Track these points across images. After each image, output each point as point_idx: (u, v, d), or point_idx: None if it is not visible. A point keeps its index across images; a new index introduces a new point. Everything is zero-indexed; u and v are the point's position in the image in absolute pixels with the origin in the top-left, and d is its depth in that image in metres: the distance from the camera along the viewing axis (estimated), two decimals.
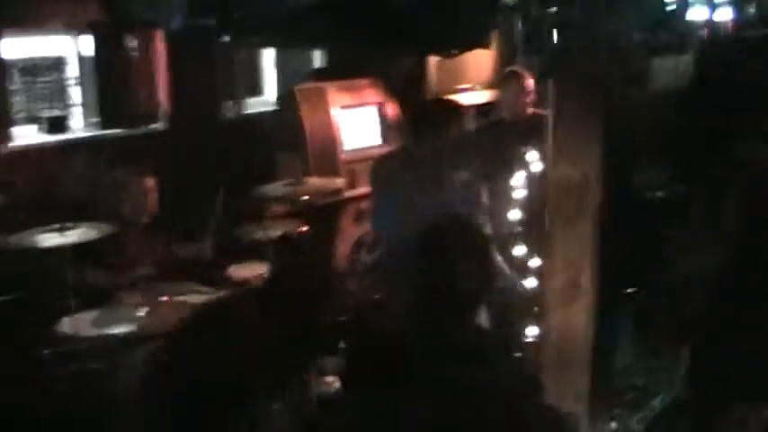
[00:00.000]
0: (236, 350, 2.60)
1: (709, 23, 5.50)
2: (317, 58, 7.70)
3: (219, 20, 3.07)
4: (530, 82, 5.56)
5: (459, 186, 4.12)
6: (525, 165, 4.53)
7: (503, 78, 5.74)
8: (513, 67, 5.86)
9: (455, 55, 3.56)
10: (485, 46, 3.59)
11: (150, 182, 5.29)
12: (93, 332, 4.55)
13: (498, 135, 5.50)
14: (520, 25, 6.05)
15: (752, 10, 7.09)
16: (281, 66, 7.59)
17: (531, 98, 5.57)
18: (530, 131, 4.90)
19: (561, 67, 4.44)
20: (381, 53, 6.61)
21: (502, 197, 4.74)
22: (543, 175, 4.42)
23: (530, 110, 5.54)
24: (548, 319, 4.52)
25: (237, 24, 3.02)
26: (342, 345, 3.97)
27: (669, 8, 4.09)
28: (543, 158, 4.46)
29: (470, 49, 3.60)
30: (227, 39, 6.06)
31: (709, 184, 5.20)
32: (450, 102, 4.35)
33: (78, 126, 6.27)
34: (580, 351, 4.51)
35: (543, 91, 5.49)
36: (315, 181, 5.83)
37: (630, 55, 3.92)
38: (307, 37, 3.06)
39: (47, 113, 6.11)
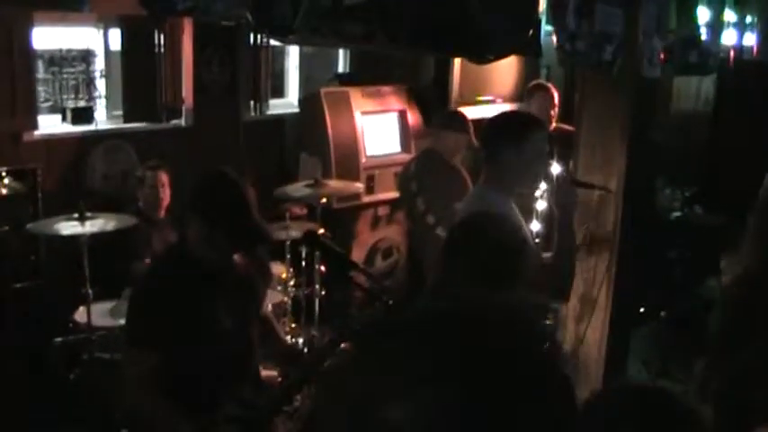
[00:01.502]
0: None
1: (737, 47, 5.49)
2: (341, 63, 7.73)
3: (258, 16, 3.08)
4: (555, 95, 5.60)
5: None
6: (549, 178, 4.54)
7: (529, 91, 5.77)
8: (540, 81, 5.90)
9: (489, 61, 3.50)
10: (523, 54, 3.55)
11: (165, 177, 5.34)
12: (109, 322, 4.58)
13: None
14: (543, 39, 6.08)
15: None
16: (304, 68, 7.62)
17: (556, 112, 5.61)
18: (553, 144, 4.91)
19: (587, 81, 4.46)
20: (416, 55, 6.61)
21: (524, 209, 4.75)
22: (562, 188, 4.42)
23: (554, 124, 5.57)
24: (563, 333, 4.53)
25: (277, 21, 3.02)
26: None
27: (700, 29, 4.08)
28: (566, 172, 4.47)
29: (506, 56, 3.57)
30: (265, 36, 6.08)
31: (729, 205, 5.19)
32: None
33: (102, 118, 6.31)
34: (593, 366, 4.51)
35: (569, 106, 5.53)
36: (335, 184, 5.85)
37: (657, 73, 3.91)
38: (345, 37, 3.05)
39: (72, 104, 6.14)
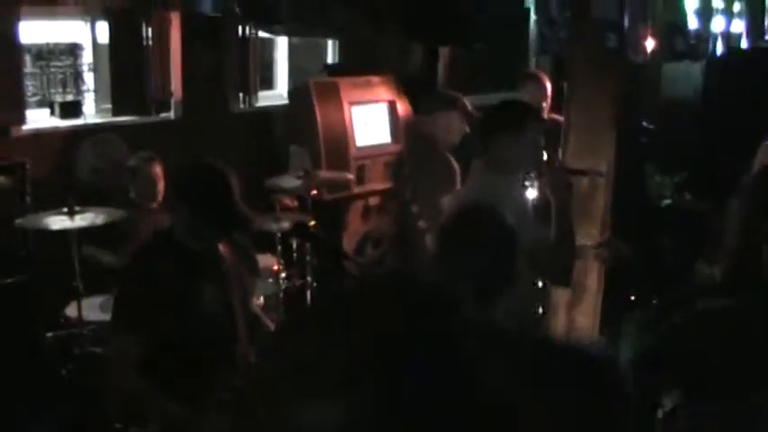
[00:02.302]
0: None
1: (725, 34, 5.50)
2: (330, 54, 7.71)
3: (245, 7, 3.08)
4: (547, 85, 5.56)
5: None
6: (539, 166, 4.55)
7: (523, 79, 5.73)
8: (532, 70, 5.88)
9: (477, 50, 3.51)
10: (507, 44, 3.55)
11: (158, 168, 5.31)
12: (101, 317, 4.57)
13: None
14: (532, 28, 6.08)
15: (766, 22, 7.10)
16: (293, 60, 7.61)
17: (548, 101, 5.57)
18: (545, 134, 4.91)
19: (576, 69, 4.46)
20: (403, 43, 6.60)
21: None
22: (555, 176, 4.42)
23: (546, 113, 5.54)
24: (554, 318, 4.54)
25: (264, 12, 3.03)
26: None
27: (687, 16, 4.09)
28: (556, 160, 4.47)
29: (492, 45, 3.57)
30: (252, 27, 6.06)
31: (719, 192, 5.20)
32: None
33: (90, 112, 6.29)
34: None
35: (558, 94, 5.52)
36: (325, 174, 5.85)
37: (645, 61, 3.92)
38: (331, 27, 3.06)
39: (60, 98, 6.12)
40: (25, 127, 5.73)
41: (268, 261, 5.55)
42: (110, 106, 6.36)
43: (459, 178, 4.99)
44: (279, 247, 5.54)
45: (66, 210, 4.55)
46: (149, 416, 3.14)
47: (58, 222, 4.52)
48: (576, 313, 4.55)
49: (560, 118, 4.93)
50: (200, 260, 3.18)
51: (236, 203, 3.12)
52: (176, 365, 3.05)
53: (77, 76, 6.26)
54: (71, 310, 4.75)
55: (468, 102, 5.33)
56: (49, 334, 4.93)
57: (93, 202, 4.86)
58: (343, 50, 7.62)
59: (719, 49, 5.52)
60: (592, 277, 4.49)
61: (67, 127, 5.96)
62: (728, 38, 5.69)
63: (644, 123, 7.12)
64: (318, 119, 6.36)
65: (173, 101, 6.49)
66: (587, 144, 4.34)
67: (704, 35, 4.13)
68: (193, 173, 3.29)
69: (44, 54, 6.09)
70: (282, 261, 5.58)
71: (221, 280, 3.22)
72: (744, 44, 6.65)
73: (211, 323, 3.14)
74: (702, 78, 7.70)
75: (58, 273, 4.83)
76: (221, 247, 3.27)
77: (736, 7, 6.12)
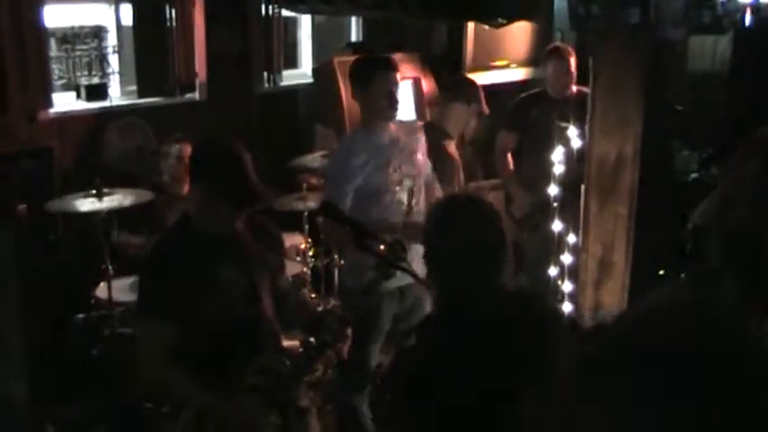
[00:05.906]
0: None
1: (753, 5, 5.41)
2: (354, 32, 7.69)
3: None
4: (571, 60, 5.52)
5: None
6: (566, 140, 4.53)
7: (546, 55, 5.68)
8: (557, 44, 5.82)
9: (501, 25, 3.48)
10: (533, 18, 3.51)
11: (187, 149, 5.31)
12: (130, 298, 4.61)
13: (540, 110, 5.47)
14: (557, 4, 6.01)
15: None
16: (317, 39, 7.60)
17: (572, 76, 5.52)
18: (571, 108, 4.88)
19: (602, 44, 4.42)
20: (427, 20, 6.56)
21: (542, 172, 4.74)
22: (582, 151, 4.42)
23: (573, 87, 5.50)
24: (581, 296, 4.53)
25: None
26: None
27: None
28: (583, 135, 4.45)
29: (518, 19, 3.53)
30: (275, 6, 6.06)
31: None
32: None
33: (116, 94, 6.31)
34: None
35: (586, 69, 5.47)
36: None
37: (672, 34, 3.87)
38: (357, 5, 3.04)
39: (85, 81, 6.15)
40: (52, 111, 5.76)
41: (295, 240, 5.56)
42: (135, 88, 6.39)
43: (461, 173, 4.94)
44: (306, 226, 5.55)
45: (94, 192, 4.57)
46: (180, 402, 3.15)
47: (86, 205, 4.55)
48: (604, 291, 4.52)
49: (587, 90, 4.89)
50: (219, 244, 3.13)
51: (248, 178, 3.09)
52: (203, 350, 3.05)
53: (102, 59, 6.28)
54: (101, 292, 4.80)
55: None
56: (80, 315, 4.98)
57: (120, 186, 4.88)
58: (366, 28, 7.59)
59: (747, 21, 5.43)
60: (619, 253, 4.46)
61: (93, 110, 5.99)
62: (757, 9, 5.59)
63: (671, 100, 7.06)
64: (343, 97, 6.34)
65: (197, 82, 6.50)
66: (614, 121, 4.30)
67: (732, 7, 4.06)
68: (202, 151, 3.29)
69: (69, 37, 6.11)
70: (309, 240, 5.60)
71: (242, 262, 3.19)
72: None
73: (235, 306, 3.13)
74: (730, 52, 7.60)
75: (88, 255, 4.87)
76: (239, 228, 3.23)
77: None
